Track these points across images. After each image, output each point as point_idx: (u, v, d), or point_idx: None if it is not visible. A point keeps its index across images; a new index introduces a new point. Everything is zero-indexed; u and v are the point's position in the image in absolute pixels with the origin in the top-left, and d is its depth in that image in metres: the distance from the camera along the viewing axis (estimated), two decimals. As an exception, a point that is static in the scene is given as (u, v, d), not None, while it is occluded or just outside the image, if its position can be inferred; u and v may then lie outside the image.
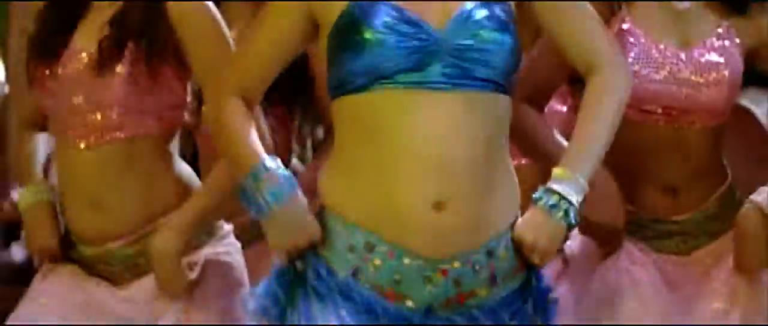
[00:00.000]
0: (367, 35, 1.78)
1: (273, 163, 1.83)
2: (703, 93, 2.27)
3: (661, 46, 2.28)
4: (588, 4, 1.97)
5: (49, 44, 2.25)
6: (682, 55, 2.27)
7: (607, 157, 1.93)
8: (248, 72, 1.93)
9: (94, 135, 2.22)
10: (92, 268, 2.27)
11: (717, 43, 2.30)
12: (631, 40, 2.28)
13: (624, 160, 2.21)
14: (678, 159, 2.28)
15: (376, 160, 1.79)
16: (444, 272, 1.78)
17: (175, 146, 2.32)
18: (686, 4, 2.31)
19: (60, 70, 2.23)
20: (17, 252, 4.73)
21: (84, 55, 2.22)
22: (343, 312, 1.77)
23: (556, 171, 1.83)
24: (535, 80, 2.22)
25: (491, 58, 1.81)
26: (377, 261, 1.78)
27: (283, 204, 1.80)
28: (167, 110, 2.25)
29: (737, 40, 2.32)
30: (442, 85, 1.79)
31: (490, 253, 1.81)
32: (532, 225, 1.82)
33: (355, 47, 1.79)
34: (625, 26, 2.28)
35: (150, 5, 2.20)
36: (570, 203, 1.80)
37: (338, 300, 1.78)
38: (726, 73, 2.29)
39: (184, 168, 2.32)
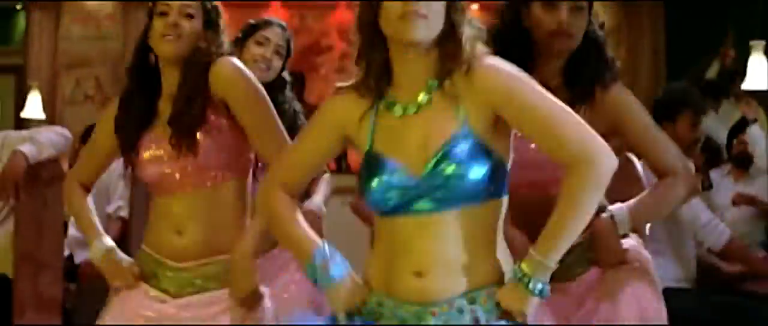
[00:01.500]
0: (372, 183, 2.20)
1: (327, 249, 2.27)
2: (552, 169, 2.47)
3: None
4: (550, 99, 2.17)
5: (133, 130, 2.72)
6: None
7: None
8: (292, 175, 2.39)
9: (181, 190, 2.69)
10: (161, 286, 2.73)
11: None
12: None
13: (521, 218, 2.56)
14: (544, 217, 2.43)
15: (384, 263, 2.24)
16: (433, 313, 2.19)
17: (249, 185, 2.77)
18: None
19: (146, 153, 2.71)
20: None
21: (163, 148, 2.68)
22: None
23: (532, 253, 2.16)
24: None
25: (468, 186, 2.15)
26: (386, 312, 2.23)
27: (341, 280, 2.25)
28: (239, 160, 2.73)
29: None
30: (429, 213, 2.18)
31: (472, 300, 2.20)
32: (507, 293, 2.18)
33: (366, 188, 2.22)
34: None
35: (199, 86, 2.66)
36: (538, 280, 2.15)
37: None
38: None
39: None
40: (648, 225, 3.13)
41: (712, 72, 7.08)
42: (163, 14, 2.68)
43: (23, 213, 4.16)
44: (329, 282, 2.24)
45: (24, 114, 7.46)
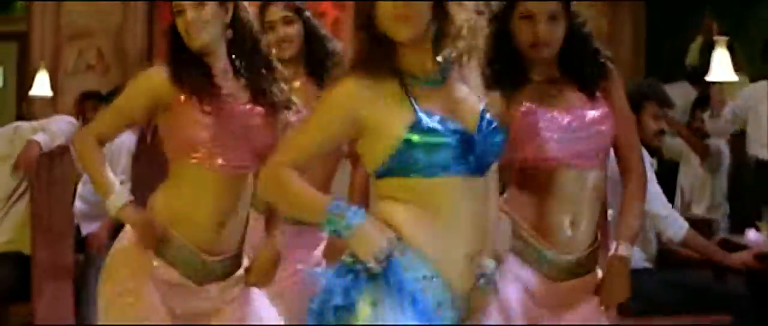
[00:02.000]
0: (432, 140, 2.25)
1: (339, 202, 2.31)
2: (591, 142, 2.76)
3: (554, 113, 2.76)
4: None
5: (201, 84, 2.73)
6: (568, 118, 2.75)
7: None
8: (299, 157, 2.39)
9: (233, 166, 2.75)
10: (193, 271, 2.79)
11: (593, 107, 2.79)
12: (533, 115, 2.74)
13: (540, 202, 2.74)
14: (579, 195, 2.74)
15: (436, 225, 2.30)
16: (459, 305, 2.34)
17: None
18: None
19: (217, 109, 2.72)
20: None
21: (247, 106, 2.78)
22: (410, 313, 2.26)
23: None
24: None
25: (498, 151, 2.35)
26: (432, 288, 2.30)
27: (362, 225, 2.25)
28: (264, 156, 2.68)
29: (605, 107, 2.80)
30: (476, 173, 2.30)
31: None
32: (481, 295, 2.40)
33: (424, 148, 2.25)
34: (523, 109, 2.74)
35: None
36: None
37: (406, 303, 2.26)
38: (603, 127, 2.79)
39: None
40: (610, 212, 3.37)
41: (694, 47, 7.26)
42: (180, 12, 2.76)
43: (38, 191, 4.44)
44: (349, 229, 2.26)
45: (32, 92, 7.51)
